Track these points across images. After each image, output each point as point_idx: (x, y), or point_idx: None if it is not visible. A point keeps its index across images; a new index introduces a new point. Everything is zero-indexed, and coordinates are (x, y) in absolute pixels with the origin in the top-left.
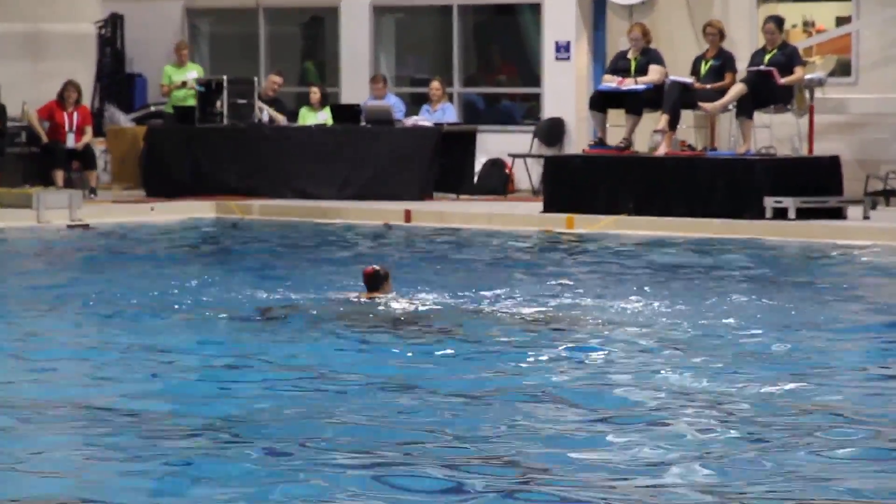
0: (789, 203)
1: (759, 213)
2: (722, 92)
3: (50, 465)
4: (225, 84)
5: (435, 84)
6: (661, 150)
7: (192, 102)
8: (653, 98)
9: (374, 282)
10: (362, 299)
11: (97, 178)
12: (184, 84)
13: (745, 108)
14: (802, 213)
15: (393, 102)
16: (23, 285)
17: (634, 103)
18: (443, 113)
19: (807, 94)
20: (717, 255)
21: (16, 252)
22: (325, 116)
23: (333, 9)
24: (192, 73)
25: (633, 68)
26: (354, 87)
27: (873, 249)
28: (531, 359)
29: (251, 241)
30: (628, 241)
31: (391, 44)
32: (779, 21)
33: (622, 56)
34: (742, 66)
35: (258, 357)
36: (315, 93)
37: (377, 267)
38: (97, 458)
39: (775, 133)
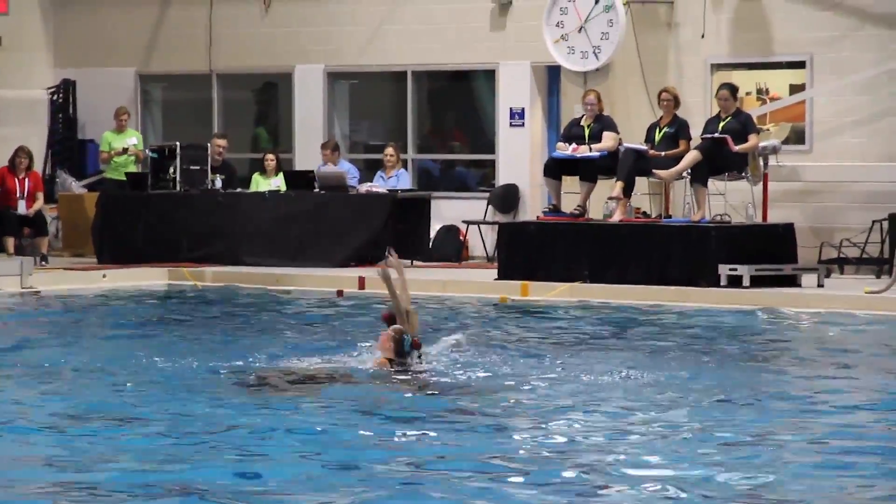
0: (744, 270)
1: (713, 281)
2: (676, 159)
3: None
4: (178, 150)
5: (389, 150)
6: (616, 218)
7: (132, 168)
8: (607, 165)
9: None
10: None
11: (49, 245)
12: (125, 150)
13: (700, 175)
14: (757, 281)
15: (347, 168)
16: None
17: (589, 170)
18: (397, 179)
19: (761, 162)
20: (672, 322)
21: None
22: (278, 182)
23: (287, 74)
24: (132, 139)
25: (586, 135)
26: (308, 153)
27: (827, 317)
28: (476, 428)
29: (204, 308)
30: (583, 308)
31: (345, 110)
32: (733, 88)
33: (576, 123)
34: (696, 133)
35: (211, 424)
36: (271, 160)
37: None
38: None
39: (730, 200)
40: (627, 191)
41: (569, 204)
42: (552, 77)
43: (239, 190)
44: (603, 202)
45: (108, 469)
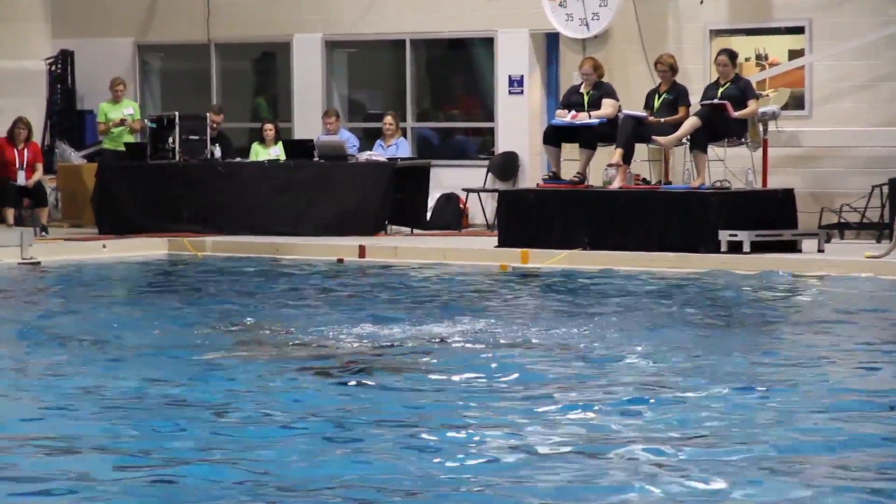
0: (744, 236)
1: (714, 247)
2: (676, 125)
3: None
4: (177, 120)
5: (388, 119)
6: (616, 185)
7: (128, 139)
8: (606, 132)
9: None
10: None
11: (48, 216)
12: (122, 122)
13: (699, 141)
14: (757, 247)
15: (346, 137)
16: None
17: (588, 137)
18: (396, 148)
19: (760, 128)
20: (673, 288)
21: None
22: (277, 152)
23: (285, 44)
24: (129, 109)
25: (585, 102)
26: (307, 123)
27: (827, 282)
28: (478, 393)
29: (204, 277)
30: (583, 275)
31: (344, 79)
32: (732, 54)
33: (575, 90)
34: (695, 99)
35: (205, 393)
36: (270, 130)
37: None
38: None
39: (729, 166)
40: (627, 158)
41: (568, 171)
42: (551, 44)
43: (238, 160)
44: (602, 169)
45: (83, 434)
